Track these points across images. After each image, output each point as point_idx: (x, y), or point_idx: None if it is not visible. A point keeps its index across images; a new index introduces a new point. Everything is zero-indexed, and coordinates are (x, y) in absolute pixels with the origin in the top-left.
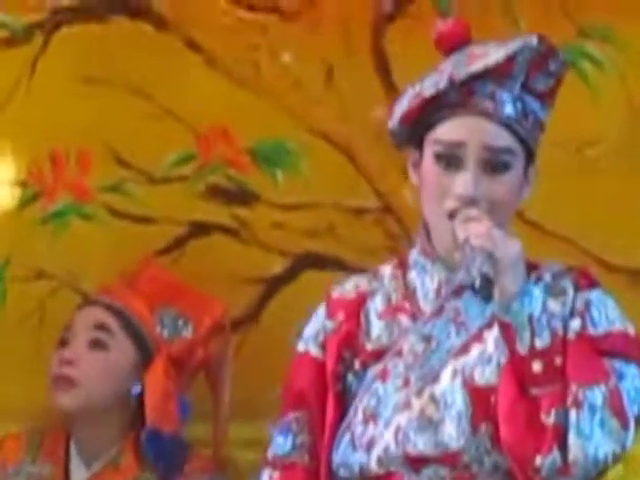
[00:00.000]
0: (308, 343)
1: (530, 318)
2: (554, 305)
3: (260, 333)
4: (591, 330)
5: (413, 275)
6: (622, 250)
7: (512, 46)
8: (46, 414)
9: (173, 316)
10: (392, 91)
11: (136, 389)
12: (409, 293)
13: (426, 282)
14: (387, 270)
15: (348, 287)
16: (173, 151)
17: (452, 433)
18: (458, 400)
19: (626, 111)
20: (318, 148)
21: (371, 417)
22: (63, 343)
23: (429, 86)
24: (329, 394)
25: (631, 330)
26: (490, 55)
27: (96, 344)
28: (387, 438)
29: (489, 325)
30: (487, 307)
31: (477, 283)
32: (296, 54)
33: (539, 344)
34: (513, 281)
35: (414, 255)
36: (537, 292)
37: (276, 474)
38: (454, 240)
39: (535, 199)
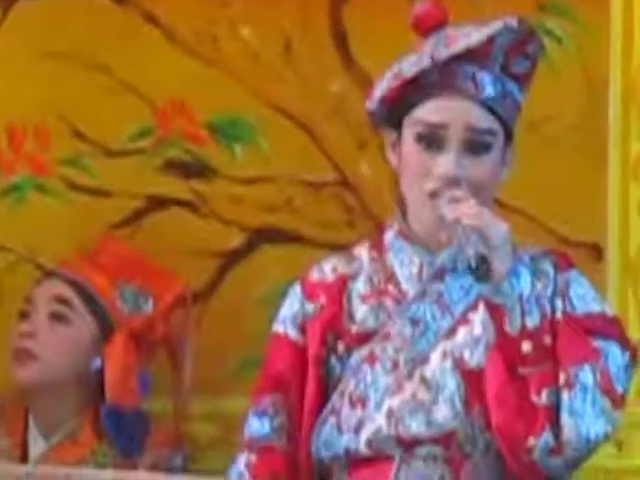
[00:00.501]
0: (286, 325)
1: (520, 298)
2: (539, 286)
3: (218, 306)
4: (572, 310)
5: (391, 257)
6: (580, 225)
7: (493, 27)
8: (6, 387)
9: (134, 291)
10: (350, 66)
11: (96, 363)
12: (390, 276)
13: (406, 264)
14: (363, 252)
15: (326, 270)
16: (131, 125)
17: (446, 414)
18: (450, 382)
19: (584, 87)
20: (276, 122)
21: (359, 400)
22: (23, 316)
23: (410, 67)
24: (311, 378)
25: (609, 310)
26: (471, 36)
27: (56, 317)
28: (379, 421)
29: (474, 307)
30: (469, 290)
31: (473, 263)
32: (255, 28)
33: (530, 323)
34: (503, 261)
35: (390, 237)
36: (525, 272)
37: (253, 457)
38: (437, 220)
39: None
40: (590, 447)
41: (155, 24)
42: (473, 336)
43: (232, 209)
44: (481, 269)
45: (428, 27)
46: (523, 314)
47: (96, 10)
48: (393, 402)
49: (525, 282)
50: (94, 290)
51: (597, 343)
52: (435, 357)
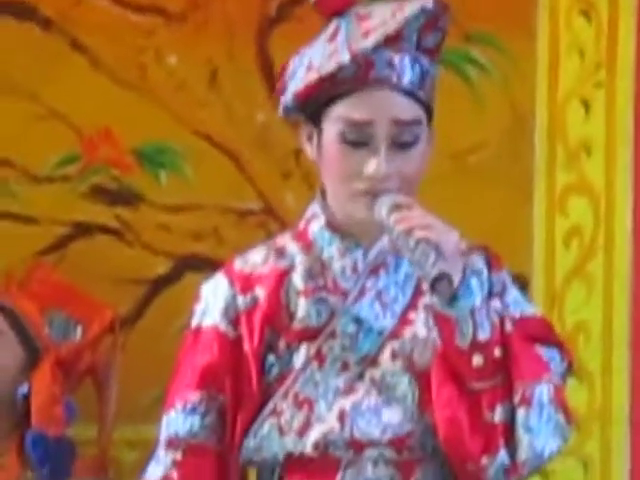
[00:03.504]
0: (214, 319)
1: (472, 310)
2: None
3: (143, 334)
4: (509, 312)
5: (321, 250)
6: (506, 255)
7: (409, 10)
8: None
9: (63, 319)
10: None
11: (22, 390)
12: (326, 270)
13: (337, 258)
14: (290, 245)
15: (256, 261)
16: (57, 151)
17: (399, 416)
18: (402, 384)
19: (510, 117)
20: (202, 150)
21: (305, 401)
22: None
23: (325, 61)
24: (252, 375)
25: (539, 313)
26: (388, 23)
27: None
28: (330, 422)
29: (413, 306)
30: (404, 286)
31: (437, 284)
32: (181, 56)
33: (481, 336)
34: (453, 272)
35: (316, 228)
36: (474, 283)
37: (179, 455)
38: (371, 218)
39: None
40: (542, 464)
41: (81, 51)
42: (419, 337)
43: (158, 236)
44: (443, 288)
45: (335, 7)
46: (475, 326)
47: (22, 37)
48: (345, 404)
49: (476, 293)
50: (23, 317)
51: (541, 351)
52: (384, 358)
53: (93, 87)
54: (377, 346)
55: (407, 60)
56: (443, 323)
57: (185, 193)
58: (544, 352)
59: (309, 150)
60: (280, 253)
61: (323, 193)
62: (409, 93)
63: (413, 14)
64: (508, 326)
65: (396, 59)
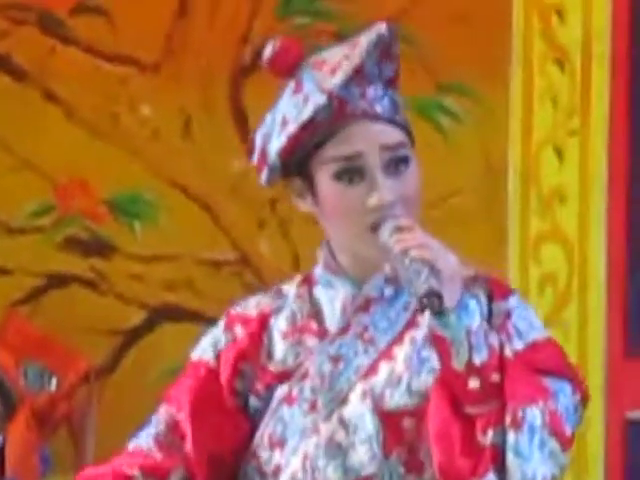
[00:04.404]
0: (204, 351)
1: (468, 332)
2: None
3: (118, 384)
4: (514, 343)
5: (319, 291)
6: None
7: (366, 41)
8: None
9: (38, 369)
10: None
11: None
12: (315, 311)
13: (331, 298)
14: (291, 289)
15: (250, 304)
16: (31, 202)
17: (363, 459)
18: (368, 424)
19: (484, 165)
20: (176, 200)
21: (277, 443)
22: None
23: (300, 110)
24: (227, 408)
25: (552, 338)
26: (350, 56)
27: None
28: (294, 466)
29: (399, 340)
30: (396, 321)
31: (425, 301)
32: (155, 106)
33: (477, 360)
34: (451, 294)
35: (319, 271)
36: (473, 305)
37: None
38: (379, 252)
39: None
40: None
41: (55, 101)
42: (395, 374)
43: (132, 287)
44: (433, 305)
45: (288, 64)
46: (471, 349)
47: None
48: (308, 446)
49: (474, 316)
50: None
51: (549, 382)
52: (354, 397)
53: (67, 137)
54: (351, 384)
55: (377, 90)
56: (440, 344)
57: (159, 243)
58: (551, 383)
59: (302, 205)
60: (277, 297)
61: (327, 245)
62: (387, 120)
63: (372, 42)
64: (508, 353)
65: (368, 92)
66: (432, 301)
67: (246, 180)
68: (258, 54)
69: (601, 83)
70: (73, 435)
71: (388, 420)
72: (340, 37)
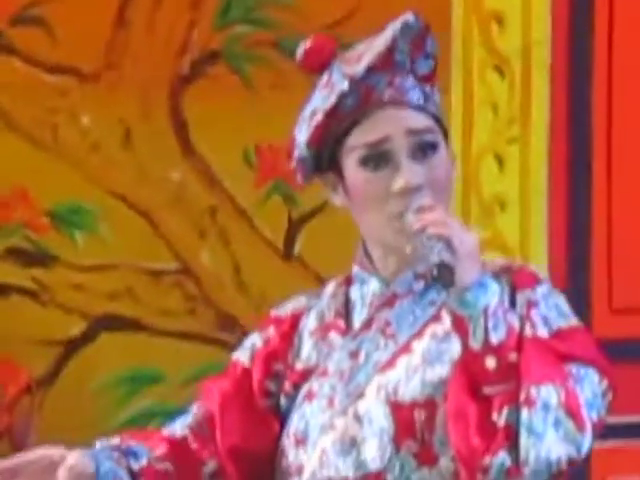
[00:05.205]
0: (242, 352)
1: (485, 311)
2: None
3: (59, 394)
4: (538, 332)
5: (354, 289)
6: None
7: (392, 28)
8: None
9: None
10: (190, 154)
11: None
12: (347, 309)
13: (363, 295)
14: (330, 287)
15: (288, 305)
16: None
17: (373, 453)
18: (380, 417)
19: None
20: (117, 210)
21: (301, 441)
22: None
23: (325, 100)
24: (257, 407)
25: (582, 327)
26: (375, 44)
27: None
28: (313, 462)
29: (419, 334)
30: (422, 316)
31: (435, 271)
32: (94, 117)
33: (494, 339)
34: (468, 272)
35: (355, 269)
36: (494, 286)
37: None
38: (402, 237)
39: None
40: (552, 470)
41: None
42: (411, 367)
43: (73, 297)
44: (444, 276)
45: (320, 61)
46: (487, 328)
47: None
48: (325, 442)
49: (492, 295)
50: None
51: (573, 368)
52: (370, 391)
53: (7, 148)
54: (368, 379)
55: (408, 82)
56: (459, 324)
57: (100, 253)
58: (575, 369)
59: (337, 199)
60: (317, 293)
61: (362, 241)
62: (415, 107)
63: (397, 30)
64: (528, 333)
65: (396, 80)
66: (443, 273)
67: (187, 190)
68: (197, 64)
69: (541, 91)
70: (14, 447)
71: (399, 412)
72: (279, 46)
